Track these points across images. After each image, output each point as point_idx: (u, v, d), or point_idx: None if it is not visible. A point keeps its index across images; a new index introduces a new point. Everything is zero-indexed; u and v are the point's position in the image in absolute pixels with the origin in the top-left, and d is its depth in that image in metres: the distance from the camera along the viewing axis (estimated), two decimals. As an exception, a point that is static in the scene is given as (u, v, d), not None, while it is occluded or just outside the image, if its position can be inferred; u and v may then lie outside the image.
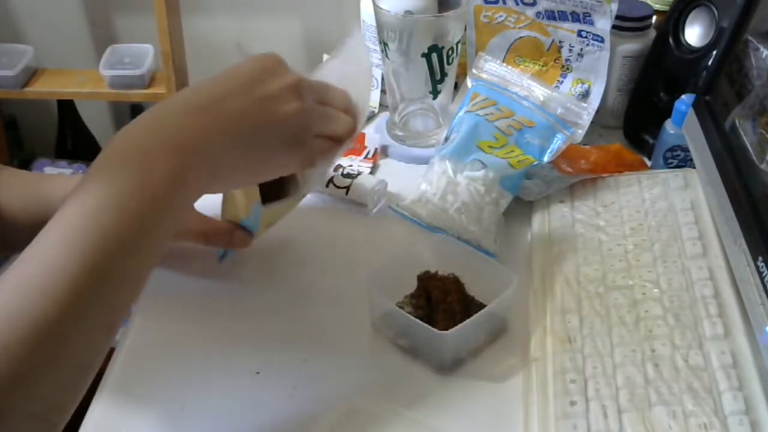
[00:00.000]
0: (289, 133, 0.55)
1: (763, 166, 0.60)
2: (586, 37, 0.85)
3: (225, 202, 0.66)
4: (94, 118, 1.94)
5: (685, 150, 0.77)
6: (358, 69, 0.67)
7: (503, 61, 0.88)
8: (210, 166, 0.50)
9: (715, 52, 0.77)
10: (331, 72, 0.64)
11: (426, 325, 0.58)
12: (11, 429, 0.39)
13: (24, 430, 0.40)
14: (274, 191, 0.66)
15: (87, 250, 0.43)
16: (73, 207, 0.45)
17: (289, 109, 0.54)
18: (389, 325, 0.63)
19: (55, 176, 0.70)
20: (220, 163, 0.51)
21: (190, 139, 0.50)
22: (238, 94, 0.53)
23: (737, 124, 0.66)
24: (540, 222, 0.74)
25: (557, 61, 0.87)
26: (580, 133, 0.80)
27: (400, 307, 0.61)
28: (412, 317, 0.59)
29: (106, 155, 0.48)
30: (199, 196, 0.51)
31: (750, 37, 0.68)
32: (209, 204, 0.61)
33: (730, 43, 0.71)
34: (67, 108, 1.83)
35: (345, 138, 0.60)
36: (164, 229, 0.48)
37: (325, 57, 0.72)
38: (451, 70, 0.83)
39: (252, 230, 0.66)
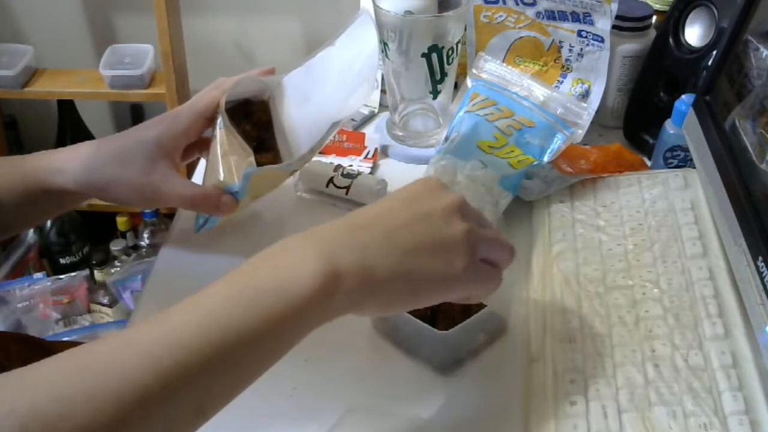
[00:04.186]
0: (455, 252, 0.49)
1: (763, 166, 0.60)
2: (586, 37, 0.85)
3: (209, 169, 0.67)
4: (94, 118, 1.94)
5: (685, 150, 0.77)
6: (364, 52, 0.67)
7: (503, 61, 0.88)
8: (365, 281, 0.46)
9: (715, 52, 0.77)
10: (337, 55, 0.64)
11: (426, 325, 0.58)
12: None
13: None
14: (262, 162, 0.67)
15: (211, 335, 0.42)
16: (216, 288, 0.45)
17: (455, 228, 0.50)
18: (389, 325, 0.63)
19: (39, 153, 0.69)
20: (376, 278, 0.47)
21: (346, 249, 0.46)
22: (400, 210, 0.50)
23: (737, 124, 0.66)
24: (540, 222, 0.74)
25: (557, 61, 0.87)
26: (580, 133, 0.80)
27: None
28: (412, 317, 0.59)
29: (260, 255, 0.47)
30: (350, 308, 0.47)
31: (750, 37, 0.68)
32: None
33: (730, 43, 0.71)
34: (67, 108, 1.83)
35: (505, 267, 0.54)
36: (296, 333, 0.45)
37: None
38: (451, 70, 0.83)
39: (239, 197, 0.66)
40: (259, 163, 0.67)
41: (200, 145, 0.72)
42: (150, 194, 0.67)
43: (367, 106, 0.95)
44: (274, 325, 0.44)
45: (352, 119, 0.93)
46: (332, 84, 0.73)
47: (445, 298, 0.52)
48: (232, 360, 0.43)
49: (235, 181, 0.65)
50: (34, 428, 0.37)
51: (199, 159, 0.77)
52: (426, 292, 0.50)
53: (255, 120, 0.73)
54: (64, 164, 0.66)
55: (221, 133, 0.67)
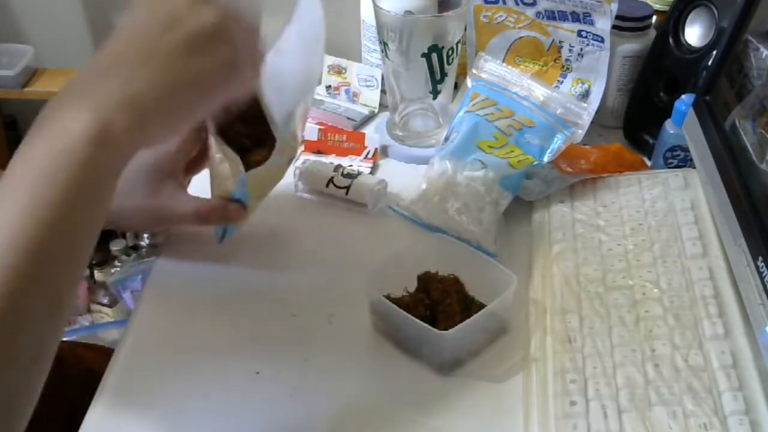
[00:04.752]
0: (211, 43, 0.48)
1: (763, 166, 0.60)
2: (586, 37, 0.85)
3: (212, 181, 0.66)
4: (94, 118, 1.94)
5: (685, 150, 0.77)
6: (312, 31, 0.66)
7: (503, 61, 0.88)
8: (131, 111, 0.45)
9: (715, 52, 0.77)
10: (286, 39, 0.63)
11: (426, 325, 0.58)
12: None
13: None
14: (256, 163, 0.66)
15: (23, 231, 0.41)
16: (4, 182, 0.43)
17: (202, 18, 0.47)
18: (389, 325, 0.63)
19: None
20: (147, 103, 0.46)
21: (101, 94, 0.45)
22: (145, 23, 0.48)
23: (737, 124, 0.66)
24: (540, 222, 0.74)
25: (557, 61, 0.87)
26: (580, 133, 0.80)
27: (399, 307, 0.61)
28: (412, 317, 0.59)
29: (26, 137, 0.45)
30: (134, 147, 0.46)
31: (750, 37, 0.68)
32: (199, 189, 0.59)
33: (730, 43, 0.71)
34: (67, 108, 1.83)
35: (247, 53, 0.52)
36: (100, 191, 0.45)
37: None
38: (451, 70, 0.83)
39: (244, 202, 0.66)
40: (262, 158, 0.67)
41: (203, 156, 0.72)
42: (161, 216, 0.67)
43: (366, 106, 0.95)
44: (76, 195, 0.43)
45: (352, 119, 0.93)
46: (297, 61, 0.71)
47: (226, 93, 0.51)
48: (57, 239, 0.42)
49: (234, 189, 0.65)
50: None
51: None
52: (197, 98, 0.49)
53: (248, 116, 0.72)
54: None
55: (214, 141, 0.67)
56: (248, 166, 0.66)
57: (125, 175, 0.68)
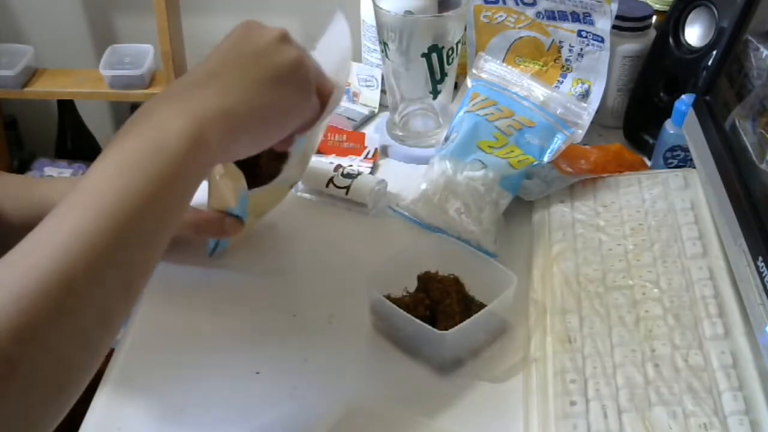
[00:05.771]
0: (293, 76, 0.54)
1: (763, 166, 0.60)
2: (586, 37, 0.85)
3: (211, 193, 0.67)
4: (94, 118, 1.94)
5: (685, 150, 0.77)
6: (338, 52, 0.67)
7: (503, 61, 0.88)
8: (226, 122, 0.50)
9: (715, 52, 0.77)
10: (320, 58, 0.64)
11: (426, 325, 0.58)
12: (25, 381, 0.39)
13: (38, 383, 0.40)
14: (259, 181, 0.67)
15: (106, 209, 0.43)
16: (92, 171, 0.45)
17: (286, 55, 0.54)
18: (389, 325, 0.63)
19: (48, 179, 0.70)
20: (234, 117, 0.50)
21: (199, 101, 0.49)
22: (232, 59, 0.53)
23: (737, 124, 0.66)
24: (540, 222, 0.74)
25: (557, 61, 0.87)
26: (580, 133, 0.80)
27: (399, 307, 0.61)
28: (412, 317, 0.59)
29: (122, 130, 0.48)
30: (221, 155, 0.51)
31: (750, 37, 0.68)
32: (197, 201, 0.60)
33: (730, 43, 0.71)
34: (67, 108, 1.83)
35: (328, 101, 0.59)
36: (184, 190, 0.48)
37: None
38: (451, 70, 0.83)
39: (241, 218, 0.66)
40: (274, 169, 0.66)
41: None
42: None
43: (366, 106, 0.95)
44: (162, 189, 0.46)
45: (352, 119, 0.93)
46: None
47: (298, 120, 0.57)
48: (137, 227, 0.44)
49: (233, 205, 0.65)
50: None
51: None
52: (279, 123, 0.55)
53: None
54: None
55: None
56: (255, 178, 0.66)
57: None
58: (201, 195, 0.69)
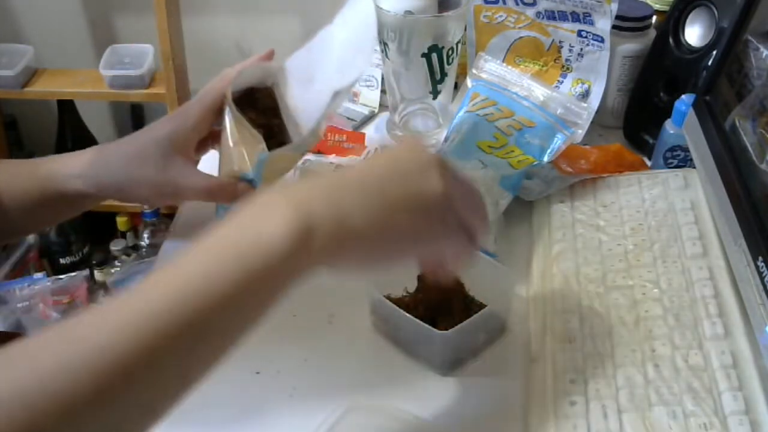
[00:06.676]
0: (431, 210, 0.48)
1: (763, 166, 0.60)
2: (586, 37, 0.85)
3: (223, 161, 0.67)
4: (94, 118, 1.94)
5: (685, 150, 0.77)
6: (361, 23, 0.67)
7: (503, 61, 0.88)
8: (339, 235, 0.45)
9: (715, 52, 0.77)
10: (336, 32, 0.64)
11: (426, 325, 0.58)
12: None
13: None
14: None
15: (179, 301, 0.41)
16: (188, 254, 0.43)
17: (433, 185, 0.48)
18: (389, 325, 0.63)
19: (50, 157, 0.70)
20: (350, 232, 0.46)
21: (320, 204, 0.45)
22: (379, 167, 0.50)
23: (737, 124, 0.66)
24: (540, 222, 0.74)
25: (557, 61, 0.87)
26: (580, 133, 0.80)
27: (399, 307, 0.61)
28: (412, 317, 0.59)
29: (237, 212, 0.45)
30: (322, 265, 0.46)
31: (750, 37, 0.68)
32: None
33: (730, 43, 0.71)
34: (67, 108, 1.83)
35: (477, 234, 0.52)
36: (277, 287, 0.45)
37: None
38: (451, 70, 0.83)
39: (255, 184, 0.67)
40: (268, 149, 0.67)
41: (212, 137, 0.73)
42: (168, 190, 0.69)
43: (366, 106, 0.95)
44: (252, 283, 0.43)
45: (352, 119, 0.93)
46: (333, 60, 0.72)
47: (416, 256, 0.52)
48: (213, 322, 0.42)
49: (249, 169, 0.66)
50: (16, 405, 0.36)
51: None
52: (400, 249, 0.49)
53: (261, 107, 0.73)
54: (82, 169, 0.68)
55: (230, 123, 0.68)
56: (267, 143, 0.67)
57: (139, 143, 0.69)
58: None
